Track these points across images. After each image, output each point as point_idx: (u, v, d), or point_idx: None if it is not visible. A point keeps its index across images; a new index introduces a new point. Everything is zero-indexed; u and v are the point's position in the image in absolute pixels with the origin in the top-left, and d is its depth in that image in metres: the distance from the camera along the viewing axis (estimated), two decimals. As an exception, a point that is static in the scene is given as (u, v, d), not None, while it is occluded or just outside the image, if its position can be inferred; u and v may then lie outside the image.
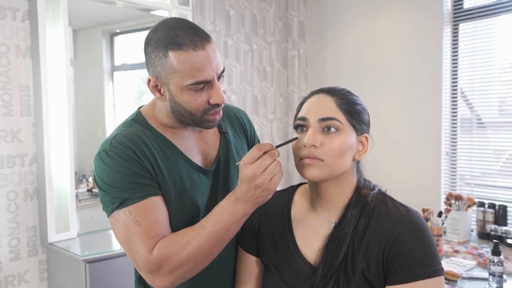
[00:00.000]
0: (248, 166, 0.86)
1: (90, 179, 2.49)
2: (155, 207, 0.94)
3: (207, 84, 0.94)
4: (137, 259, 0.91)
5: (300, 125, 0.94)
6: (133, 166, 0.94)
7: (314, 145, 0.89)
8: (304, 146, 0.90)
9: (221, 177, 1.08)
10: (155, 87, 0.98)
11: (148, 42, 0.96)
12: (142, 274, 0.93)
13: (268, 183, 0.86)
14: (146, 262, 0.89)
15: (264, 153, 0.87)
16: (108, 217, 0.96)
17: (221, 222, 0.90)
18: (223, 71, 0.98)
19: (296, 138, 0.94)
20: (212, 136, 1.11)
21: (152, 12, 2.48)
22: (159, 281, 0.91)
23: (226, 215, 0.90)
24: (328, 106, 0.92)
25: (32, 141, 2.09)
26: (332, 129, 0.90)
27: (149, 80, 0.98)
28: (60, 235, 2.05)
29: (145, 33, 0.98)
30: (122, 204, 0.92)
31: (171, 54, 0.91)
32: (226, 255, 1.04)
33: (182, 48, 0.91)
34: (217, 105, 0.97)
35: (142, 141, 0.97)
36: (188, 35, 0.92)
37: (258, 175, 0.85)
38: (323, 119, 0.90)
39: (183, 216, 0.99)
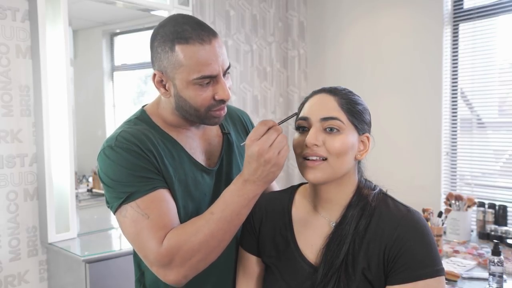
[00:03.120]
0: (255, 142, 0.86)
1: (90, 179, 2.49)
2: (163, 199, 0.92)
3: (212, 79, 0.94)
4: (148, 253, 0.89)
5: (302, 125, 0.94)
6: (139, 161, 0.93)
7: (316, 145, 0.89)
8: (306, 145, 0.90)
9: (223, 177, 1.08)
10: (160, 82, 0.97)
11: (154, 37, 0.96)
12: (154, 270, 0.90)
13: (277, 157, 0.86)
14: (157, 255, 0.87)
15: (269, 129, 0.87)
16: (114, 213, 0.94)
17: (231, 206, 0.88)
18: (228, 67, 0.97)
19: (296, 114, 0.94)
20: (215, 137, 1.11)
21: (152, 12, 2.48)
22: (172, 275, 0.88)
23: (236, 199, 0.88)
24: (330, 106, 0.92)
25: (32, 141, 2.08)
26: (334, 129, 0.90)
27: (154, 75, 0.97)
28: (60, 235, 2.05)
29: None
30: (128, 198, 0.90)
31: (178, 48, 0.91)
32: (226, 255, 1.03)
33: (189, 42, 0.91)
34: (222, 101, 0.97)
35: (147, 138, 0.96)
36: (195, 30, 0.92)
37: (266, 150, 0.85)
38: (324, 119, 0.91)
39: (186, 214, 0.99)
